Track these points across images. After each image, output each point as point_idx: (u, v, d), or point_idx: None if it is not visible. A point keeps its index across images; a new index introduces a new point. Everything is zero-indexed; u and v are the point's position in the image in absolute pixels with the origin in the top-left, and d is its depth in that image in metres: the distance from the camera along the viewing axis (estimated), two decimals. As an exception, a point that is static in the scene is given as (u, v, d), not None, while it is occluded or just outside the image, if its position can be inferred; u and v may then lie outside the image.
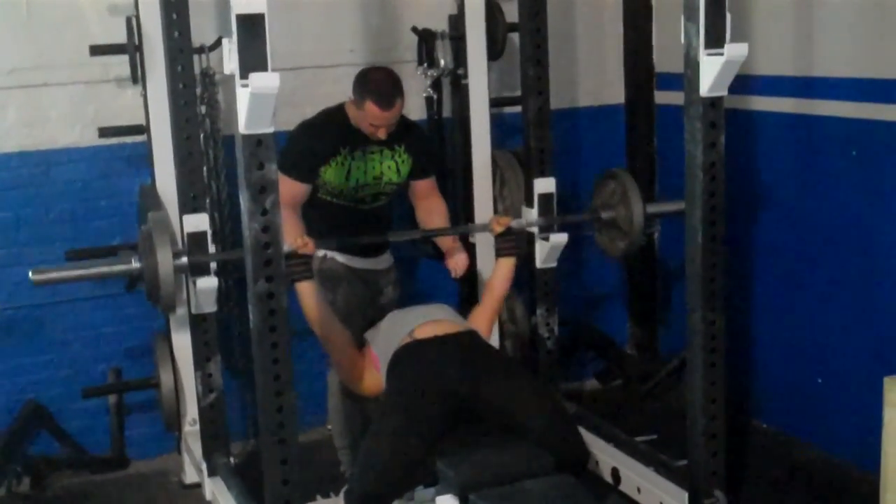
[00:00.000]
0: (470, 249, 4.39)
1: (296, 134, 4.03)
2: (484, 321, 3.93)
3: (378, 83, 3.85)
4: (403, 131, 4.07)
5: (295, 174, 3.92)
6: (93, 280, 3.76)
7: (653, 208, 4.13)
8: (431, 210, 4.23)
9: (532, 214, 4.25)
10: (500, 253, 3.99)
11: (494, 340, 4.49)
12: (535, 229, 4.25)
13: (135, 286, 4.00)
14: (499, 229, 3.97)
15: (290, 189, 3.87)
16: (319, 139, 3.98)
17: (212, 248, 3.78)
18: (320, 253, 4.06)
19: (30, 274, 3.48)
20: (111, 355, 4.55)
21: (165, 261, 3.49)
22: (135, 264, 3.56)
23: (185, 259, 3.63)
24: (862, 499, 3.74)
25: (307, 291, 3.62)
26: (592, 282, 5.38)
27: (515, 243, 4.00)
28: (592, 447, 3.96)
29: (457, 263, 4.15)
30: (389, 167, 4.08)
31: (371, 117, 3.87)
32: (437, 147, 4.69)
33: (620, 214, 4.12)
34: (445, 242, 4.18)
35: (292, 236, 3.79)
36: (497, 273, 4.00)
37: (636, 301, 5.45)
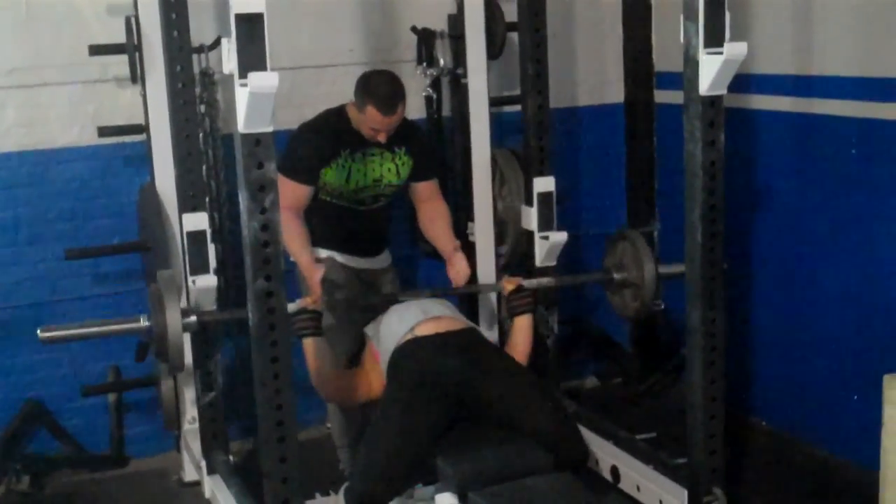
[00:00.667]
0: (470, 251, 4.40)
1: (297, 136, 4.02)
2: None
3: (380, 88, 3.83)
4: (405, 134, 4.06)
5: (297, 176, 3.91)
6: (101, 337, 3.77)
7: (665, 269, 4.04)
8: (433, 216, 4.19)
9: (531, 214, 4.25)
10: (514, 311, 3.96)
11: (494, 338, 4.50)
12: (534, 230, 4.25)
13: (144, 357, 4.01)
14: (510, 288, 3.96)
15: (293, 192, 3.86)
16: (320, 141, 3.97)
17: (211, 248, 3.78)
18: (323, 254, 4.07)
19: (38, 332, 3.46)
20: (110, 354, 4.54)
21: (174, 323, 3.46)
22: (143, 323, 3.53)
23: (193, 318, 3.61)
24: (861, 497, 3.73)
25: (312, 348, 3.64)
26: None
27: (529, 299, 3.98)
28: (592, 445, 3.96)
29: (458, 274, 4.06)
30: (389, 170, 4.08)
31: (372, 121, 3.86)
32: (438, 147, 4.69)
33: (632, 276, 4.09)
34: (446, 249, 4.11)
35: (297, 243, 3.80)
36: (517, 335, 3.95)
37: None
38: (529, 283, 4.10)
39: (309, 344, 3.65)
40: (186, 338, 3.78)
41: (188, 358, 4.12)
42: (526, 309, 3.95)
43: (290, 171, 3.87)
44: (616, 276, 4.15)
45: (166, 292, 3.48)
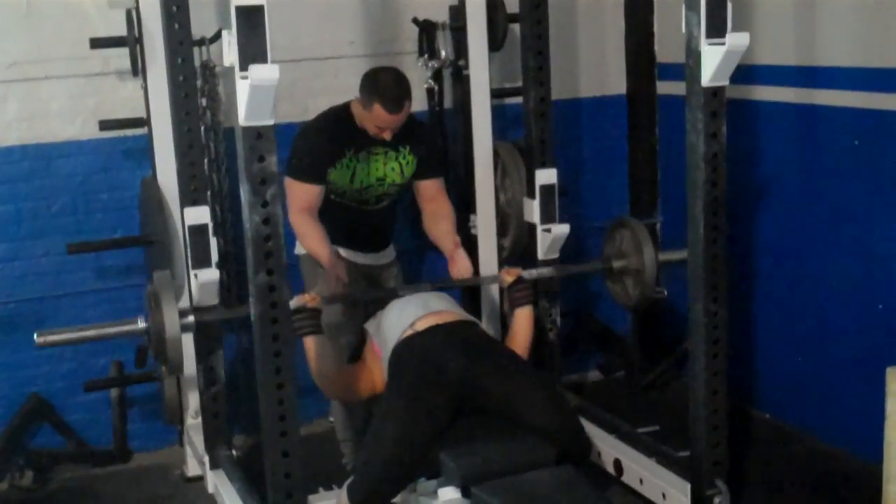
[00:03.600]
0: (472, 244, 4.39)
1: (301, 137, 3.99)
2: None
3: (386, 85, 3.81)
4: (410, 132, 4.03)
5: (305, 177, 3.89)
6: (97, 340, 3.76)
7: (664, 256, 4.03)
8: (437, 215, 4.14)
9: (533, 207, 4.25)
10: (514, 303, 3.94)
11: (496, 332, 4.49)
12: (536, 223, 4.25)
13: (144, 362, 4.00)
14: (509, 279, 3.95)
15: (305, 193, 3.86)
16: (325, 141, 3.94)
17: (213, 241, 3.77)
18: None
19: (35, 337, 3.47)
20: (113, 349, 4.54)
21: (172, 323, 3.45)
22: (140, 325, 3.53)
23: (191, 318, 3.61)
24: (864, 489, 3.73)
25: (312, 346, 3.64)
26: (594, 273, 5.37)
27: (528, 291, 3.96)
28: (595, 438, 3.96)
29: (460, 271, 4.03)
30: (393, 169, 4.06)
31: (378, 119, 3.84)
32: (441, 143, 4.67)
33: (632, 263, 4.07)
34: (447, 248, 4.08)
35: (315, 241, 3.81)
36: (518, 327, 3.92)
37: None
38: (529, 273, 4.09)
39: (309, 342, 3.64)
40: (188, 343, 3.77)
41: (189, 361, 4.15)
42: (525, 300, 3.94)
43: (298, 172, 3.86)
44: (616, 263, 4.14)
45: (163, 292, 3.46)
